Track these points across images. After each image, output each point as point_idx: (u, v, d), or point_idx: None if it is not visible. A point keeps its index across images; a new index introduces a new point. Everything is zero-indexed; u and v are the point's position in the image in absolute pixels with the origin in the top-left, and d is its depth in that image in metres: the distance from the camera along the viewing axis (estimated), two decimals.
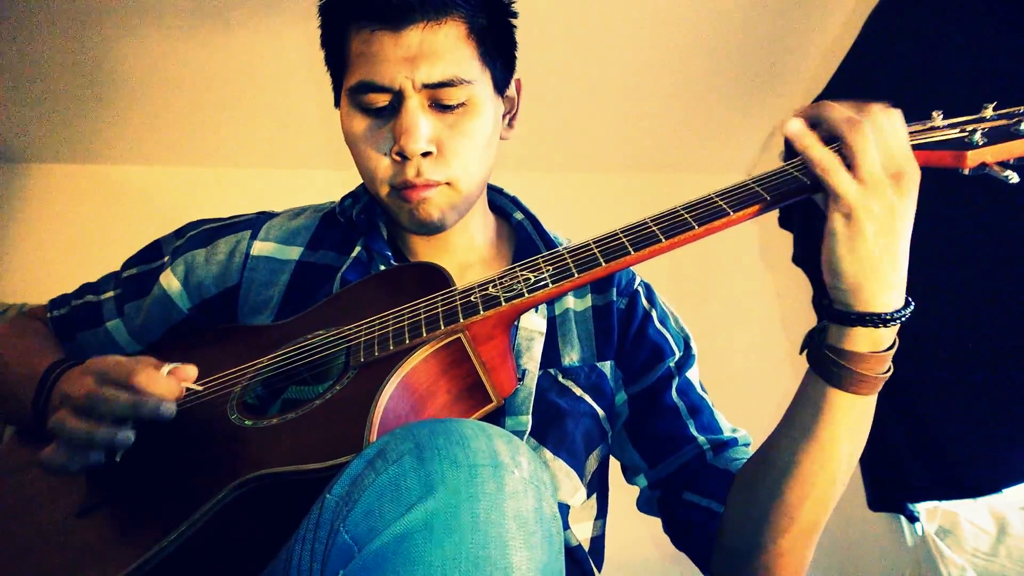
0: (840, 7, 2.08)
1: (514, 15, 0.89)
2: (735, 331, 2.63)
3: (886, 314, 0.64)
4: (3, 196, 2.64)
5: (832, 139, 0.65)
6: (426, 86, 0.79)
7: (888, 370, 0.67)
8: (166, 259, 0.94)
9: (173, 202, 2.69)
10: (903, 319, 0.65)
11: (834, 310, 0.67)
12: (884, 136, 0.62)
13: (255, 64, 2.24)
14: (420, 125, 0.79)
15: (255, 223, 0.96)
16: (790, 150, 0.69)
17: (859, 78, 1.95)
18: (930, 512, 1.75)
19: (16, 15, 1.99)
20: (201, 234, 0.95)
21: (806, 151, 0.64)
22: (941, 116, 0.69)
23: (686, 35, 2.18)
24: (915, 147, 0.67)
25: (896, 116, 0.65)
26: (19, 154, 2.64)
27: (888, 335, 0.66)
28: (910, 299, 0.66)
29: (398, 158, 0.81)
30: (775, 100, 2.46)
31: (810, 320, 2.27)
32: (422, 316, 0.70)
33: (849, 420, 0.68)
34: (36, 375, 0.79)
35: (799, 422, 0.70)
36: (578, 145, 2.70)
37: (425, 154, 0.80)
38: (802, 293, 2.32)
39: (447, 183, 0.83)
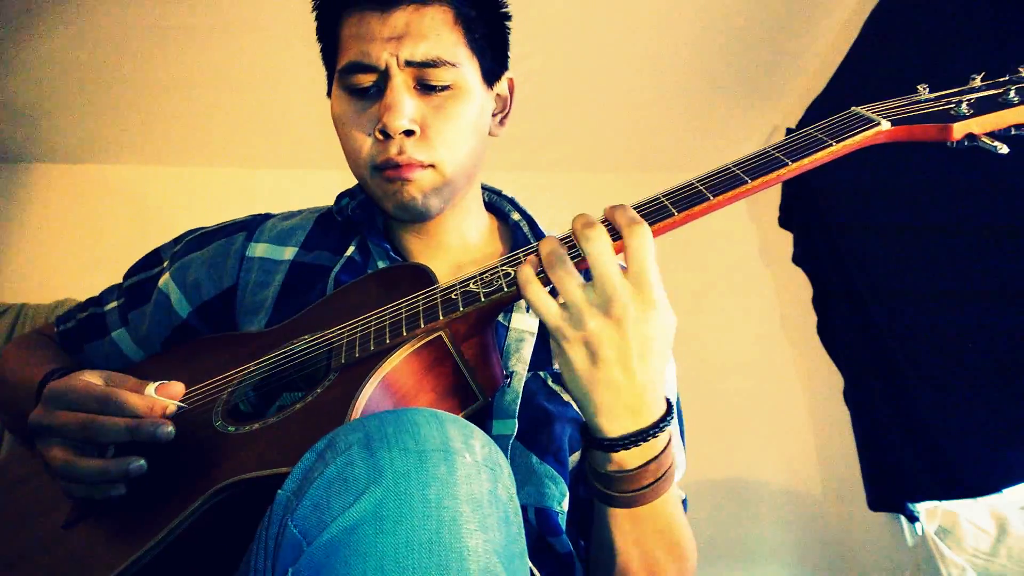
0: (840, 7, 2.08)
1: (507, 17, 0.90)
2: (735, 331, 2.63)
3: (610, 440, 0.62)
4: (3, 196, 2.64)
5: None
6: (410, 64, 0.80)
7: (655, 481, 0.63)
8: (165, 264, 0.95)
9: (172, 202, 2.69)
10: (633, 445, 0.61)
11: (586, 432, 0.66)
12: (592, 263, 0.61)
13: (254, 64, 2.24)
14: (403, 103, 0.79)
15: (250, 225, 0.96)
16: None
17: (859, 78, 1.95)
18: (930, 512, 1.75)
19: (17, 16, 1.99)
20: (197, 239, 0.96)
21: (517, 273, 0.65)
22: (928, 89, 0.66)
23: (686, 35, 2.18)
24: (897, 121, 0.64)
25: (605, 245, 0.62)
26: (19, 154, 2.64)
27: (632, 458, 0.63)
28: (669, 413, 0.63)
29: (381, 136, 0.81)
30: (775, 100, 2.46)
31: (810, 320, 2.28)
32: (403, 315, 0.69)
33: (639, 527, 0.68)
34: (34, 386, 0.79)
35: (599, 530, 0.70)
36: (578, 145, 2.70)
37: (409, 133, 0.80)
38: (802, 293, 2.32)
39: (431, 165, 0.82)
